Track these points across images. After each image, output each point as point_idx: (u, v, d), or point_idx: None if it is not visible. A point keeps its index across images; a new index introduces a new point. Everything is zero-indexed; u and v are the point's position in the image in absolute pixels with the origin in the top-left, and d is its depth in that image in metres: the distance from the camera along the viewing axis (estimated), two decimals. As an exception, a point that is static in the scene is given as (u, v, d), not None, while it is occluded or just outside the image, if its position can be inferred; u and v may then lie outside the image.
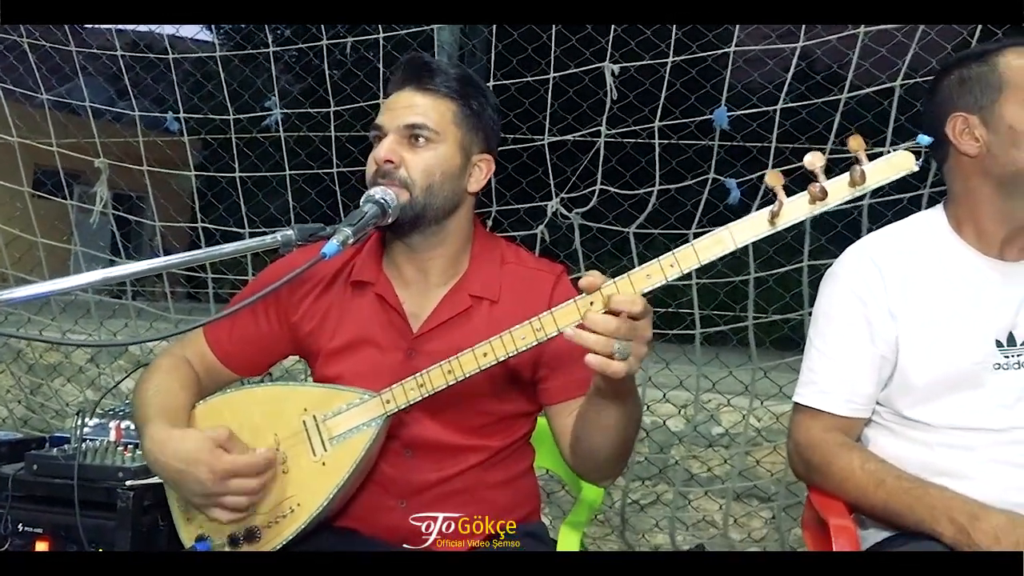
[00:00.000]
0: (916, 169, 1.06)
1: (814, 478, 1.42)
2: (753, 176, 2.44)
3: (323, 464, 1.27)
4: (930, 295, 1.38)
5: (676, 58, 2.39)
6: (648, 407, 2.92)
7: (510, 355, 1.17)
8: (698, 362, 2.60)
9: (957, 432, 1.34)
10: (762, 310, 2.64)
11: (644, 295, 1.10)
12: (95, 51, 3.20)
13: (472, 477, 1.37)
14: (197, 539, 1.32)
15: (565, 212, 2.51)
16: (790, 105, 2.43)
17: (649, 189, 2.44)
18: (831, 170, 1.08)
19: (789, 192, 1.09)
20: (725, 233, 1.10)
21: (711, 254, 1.11)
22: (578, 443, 1.30)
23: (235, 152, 2.86)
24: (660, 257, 1.12)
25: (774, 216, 1.08)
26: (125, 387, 2.60)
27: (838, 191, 1.06)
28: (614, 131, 2.55)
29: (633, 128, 2.59)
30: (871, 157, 1.07)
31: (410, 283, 1.40)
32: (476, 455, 1.37)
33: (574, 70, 2.60)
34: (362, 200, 1.27)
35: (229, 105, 2.83)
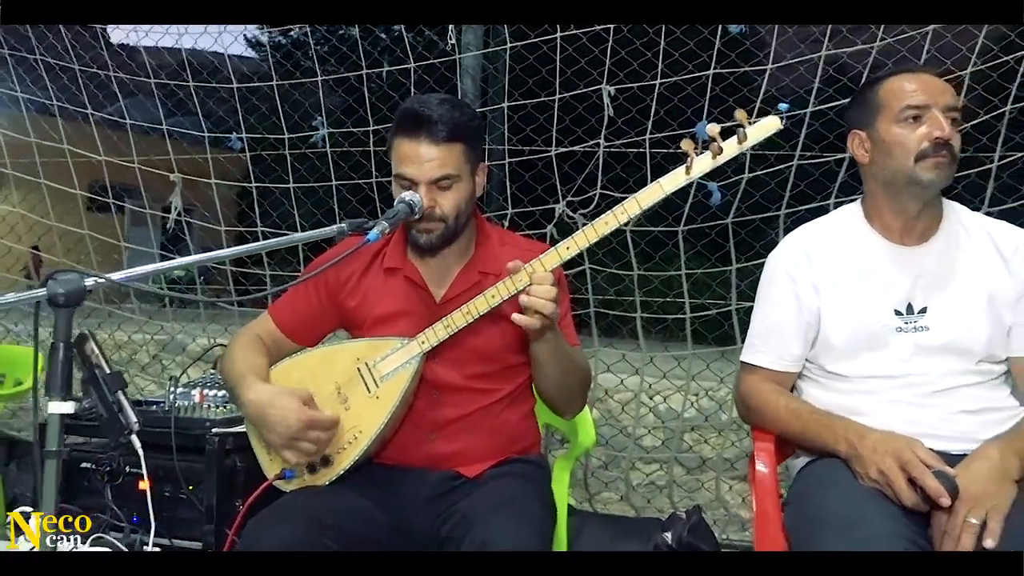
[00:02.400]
0: (781, 128, 1.50)
1: (752, 418, 1.80)
2: (733, 178, 2.81)
3: (377, 398, 1.68)
4: (846, 274, 1.74)
5: (665, 80, 2.78)
6: (665, 398, 3.30)
7: (512, 294, 1.58)
8: (688, 346, 2.99)
9: (866, 380, 1.69)
10: (749, 298, 3.00)
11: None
12: (150, 78, 3.58)
13: (486, 414, 1.77)
14: (284, 469, 1.72)
15: (571, 214, 2.91)
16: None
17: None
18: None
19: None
20: (656, 186, 1.54)
21: (649, 202, 1.56)
22: (536, 381, 1.76)
23: (289, 166, 3.30)
24: (614, 208, 1.56)
25: (687, 168, 1.51)
26: (185, 375, 3.02)
27: (730, 148, 1.50)
28: (615, 143, 2.94)
29: (635, 139, 2.97)
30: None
31: (430, 265, 1.80)
32: (489, 396, 1.77)
33: (580, 91, 2.99)
34: (395, 201, 1.68)
35: (283, 124, 3.28)
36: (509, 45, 3.19)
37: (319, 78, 3.19)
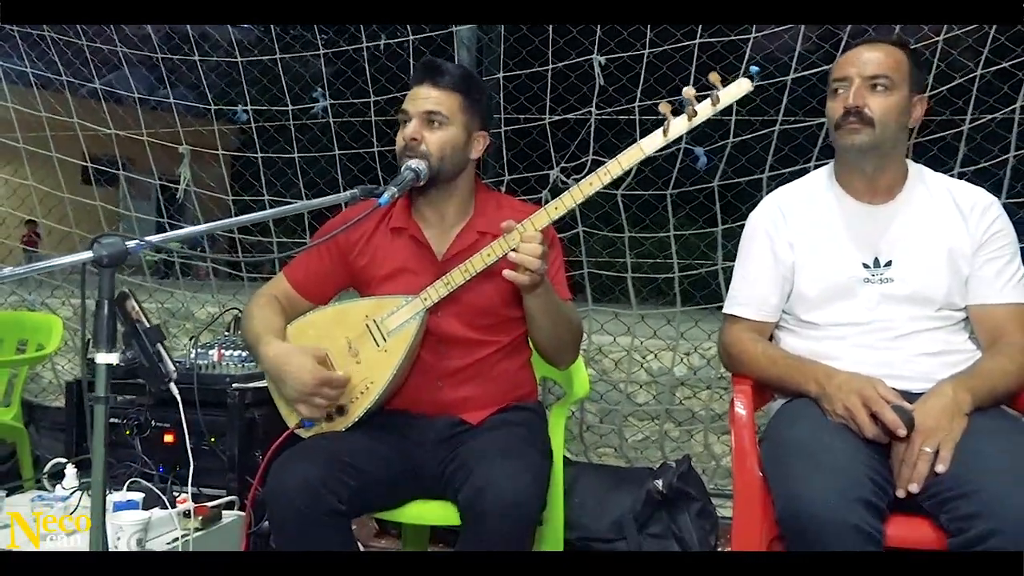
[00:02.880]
0: (751, 90, 1.64)
1: (734, 365, 1.95)
2: (720, 143, 2.95)
3: (385, 351, 1.83)
4: (818, 231, 1.89)
5: (654, 49, 2.90)
6: (642, 343, 3.46)
7: (506, 253, 1.71)
8: (678, 306, 3.14)
9: (836, 327, 1.84)
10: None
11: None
12: (137, 49, 3.67)
13: (486, 364, 1.92)
14: (304, 419, 1.86)
15: (565, 179, 3.04)
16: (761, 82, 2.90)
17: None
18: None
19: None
20: (636, 148, 1.68)
21: (629, 163, 1.69)
22: (530, 333, 1.90)
23: (292, 136, 3.42)
24: (598, 169, 1.70)
25: (664, 131, 1.65)
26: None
27: (704, 110, 1.64)
28: (606, 110, 3.06)
29: (625, 106, 3.09)
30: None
31: (432, 225, 1.95)
32: (489, 347, 1.92)
33: (573, 60, 3.11)
34: (402, 169, 1.82)
35: (286, 95, 3.39)
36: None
37: (320, 51, 3.29)
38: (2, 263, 4.59)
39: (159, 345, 1.51)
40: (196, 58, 3.25)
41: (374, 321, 1.84)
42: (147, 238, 1.46)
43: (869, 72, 1.79)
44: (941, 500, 1.50)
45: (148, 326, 1.50)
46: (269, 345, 1.84)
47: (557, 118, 3.13)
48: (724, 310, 2.00)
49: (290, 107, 3.27)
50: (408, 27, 3.30)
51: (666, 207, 3.06)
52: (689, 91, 1.63)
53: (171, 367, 1.51)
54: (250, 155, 3.42)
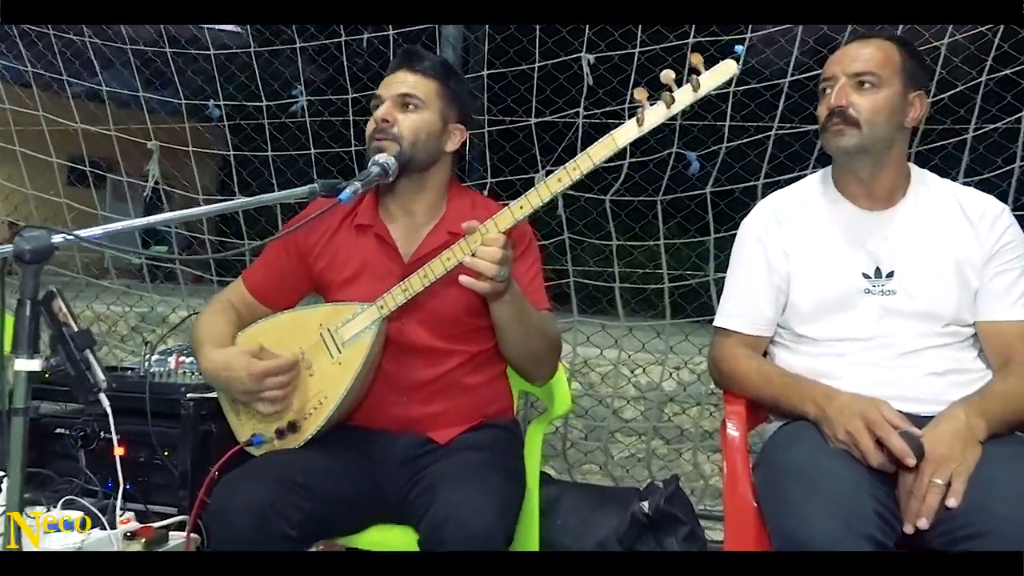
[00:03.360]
0: (737, 72, 1.47)
1: (725, 383, 1.81)
2: (712, 148, 2.81)
3: (339, 364, 1.67)
4: (815, 238, 1.75)
5: (645, 49, 2.77)
6: (630, 357, 3.32)
7: (468, 256, 1.55)
8: (667, 317, 2.99)
9: (835, 343, 1.71)
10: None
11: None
12: (137, 46, 3.55)
13: (456, 376, 1.77)
14: (252, 435, 1.72)
15: (549, 183, 2.89)
16: (745, 87, 2.78)
17: (622, 162, 2.82)
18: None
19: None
20: (609, 139, 1.52)
21: (601, 156, 1.52)
22: (500, 345, 1.75)
23: (267, 136, 3.27)
24: (567, 163, 1.54)
25: (639, 120, 1.49)
26: (163, 343, 3.01)
27: (684, 96, 1.48)
28: (595, 112, 2.92)
29: (614, 108, 2.96)
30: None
31: (400, 224, 1.80)
32: (457, 357, 1.77)
33: (561, 59, 2.97)
34: (369, 164, 1.68)
35: (261, 93, 3.24)
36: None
37: (298, 44, 3.15)
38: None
39: (88, 351, 1.35)
40: (168, 50, 3.09)
41: (328, 330, 1.69)
42: (76, 232, 1.31)
43: (854, 69, 1.66)
44: (953, 539, 1.36)
45: (76, 329, 1.35)
46: (205, 356, 1.71)
47: (543, 120, 2.99)
48: (715, 322, 1.86)
49: (264, 103, 3.12)
50: (391, 24, 3.16)
51: (656, 215, 2.91)
52: (668, 75, 1.47)
53: (100, 376, 1.35)
54: (223, 153, 3.27)
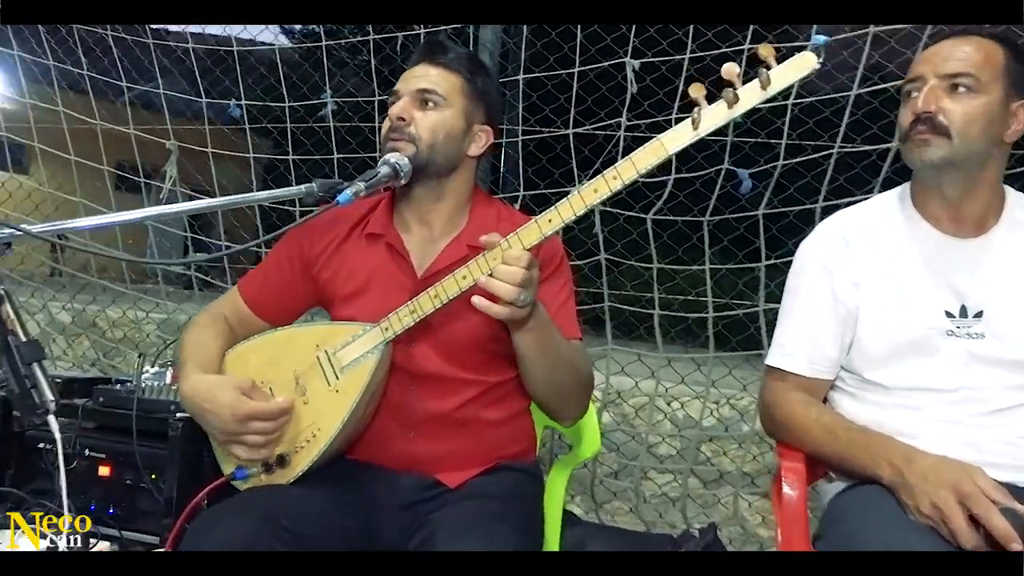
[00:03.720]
0: (817, 67, 1.20)
1: (779, 433, 1.56)
2: (765, 167, 2.57)
3: (337, 391, 1.47)
4: (890, 267, 1.51)
5: (695, 55, 2.54)
6: (681, 404, 3.07)
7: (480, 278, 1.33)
8: (711, 349, 2.73)
9: (909, 393, 1.46)
10: (777, 299, 2.75)
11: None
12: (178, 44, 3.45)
13: (471, 410, 1.55)
14: (237, 468, 1.52)
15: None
16: (803, 101, 2.53)
17: (666, 178, 2.58)
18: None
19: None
20: (657, 144, 1.27)
21: (647, 163, 1.27)
22: (522, 378, 1.51)
23: (292, 140, 3.11)
24: (605, 171, 1.30)
25: (695, 122, 1.23)
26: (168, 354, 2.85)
27: (750, 95, 1.21)
28: (637, 124, 2.70)
29: (656, 120, 2.74)
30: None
31: (416, 235, 1.60)
32: (473, 388, 1.55)
33: (601, 64, 2.76)
34: (379, 162, 1.48)
35: (286, 97, 3.09)
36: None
37: (324, 42, 2.98)
38: (30, 274, 4.38)
39: (36, 365, 1.16)
40: (187, 42, 2.95)
41: (326, 353, 1.48)
42: (24, 226, 1.14)
43: (947, 70, 1.42)
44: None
45: (23, 340, 1.16)
46: (187, 378, 1.50)
47: (582, 130, 2.77)
48: (768, 361, 1.61)
49: (287, 103, 2.96)
50: (423, 26, 2.99)
51: (702, 238, 2.67)
52: (730, 69, 1.21)
53: (48, 395, 1.16)
54: (244, 155, 3.12)
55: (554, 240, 1.54)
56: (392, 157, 1.49)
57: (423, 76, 1.58)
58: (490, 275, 1.30)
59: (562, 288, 1.59)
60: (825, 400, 1.58)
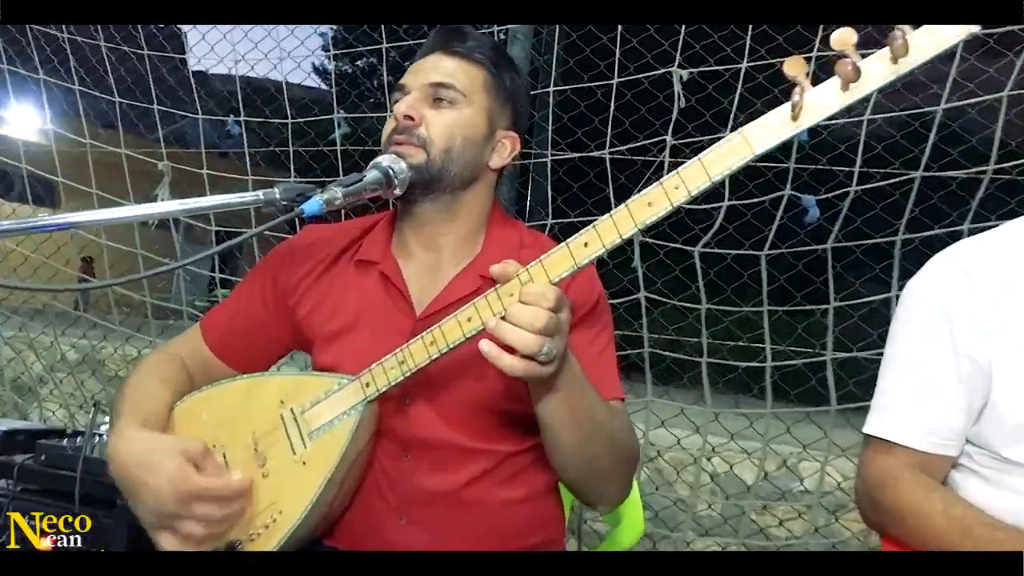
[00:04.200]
0: (969, 37, 0.85)
1: (885, 523, 1.19)
2: (833, 192, 2.21)
3: (303, 463, 1.12)
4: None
5: (752, 63, 2.20)
6: (714, 450, 2.69)
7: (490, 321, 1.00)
8: (768, 402, 2.35)
9: (1068, 479, 1.09)
10: (846, 348, 2.38)
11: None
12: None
13: (481, 489, 1.20)
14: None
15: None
16: (878, 116, 2.18)
17: (716, 205, 2.23)
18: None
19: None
20: (739, 139, 0.91)
21: (724, 166, 0.92)
22: (546, 451, 1.15)
23: (295, 167, 2.84)
24: (663, 179, 0.95)
25: (796, 109, 0.88)
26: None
27: (876, 70, 0.85)
28: (681, 147, 2.36)
29: (700, 140, 2.40)
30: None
31: (418, 263, 1.28)
32: (484, 460, 1.20)
33: (640, 75, 2.44)
34: (369, 165, 1.16)
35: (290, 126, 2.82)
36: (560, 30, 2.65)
37: (332, 52, 2.70)
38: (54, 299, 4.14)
39: None
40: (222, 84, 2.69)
41: (292, 411, 1.14)
42: None
43: None
44: None
45: None
46: (120, 434, 1.15)
47: (620, 148, 2.44)
48: (869, 429, 1.24)
49: (290, 120, 2.67)
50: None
51: (757, 275, 2.29)
52: (844, 36, 0.86)
53: None
54: (242, 177, 2.83)
55: (589, 273, 1.22)
56: (385, 160, 1.17)
57: (437, 68, 1.27)
58: (502, 317, 0.96)
59: (599, 334, 1.25)
60: (944, 481, 1.21)
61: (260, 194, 1.02)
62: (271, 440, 1.15)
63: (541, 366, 0.97)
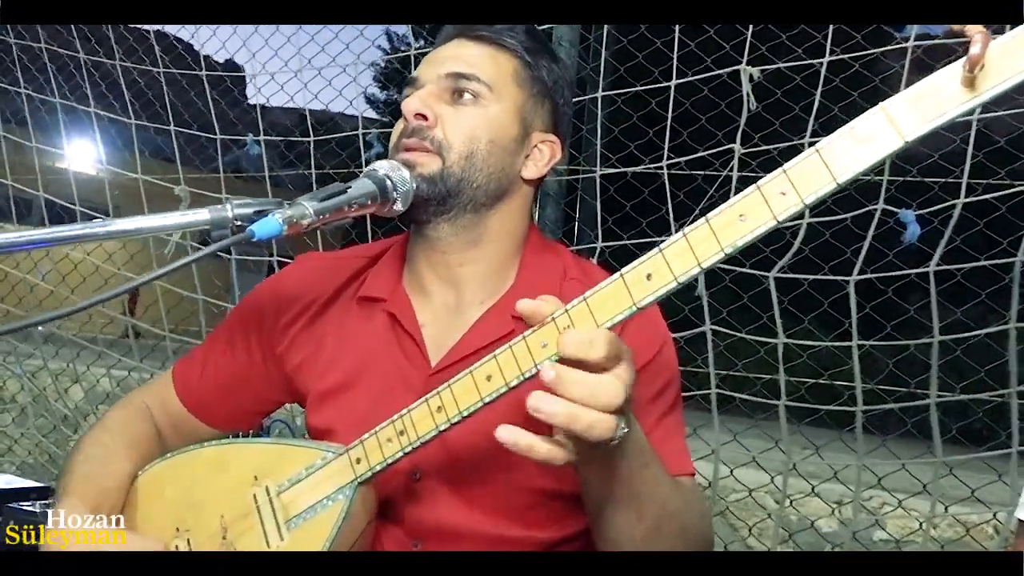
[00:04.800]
0: None
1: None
2: (929, 208, 1.89)
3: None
4: None
5: (834, 57, 1.91)
6: (791, 502, 2.35)
7: (529, 373, 0.74)
8: (859, 450, 2.01)
9: None
10: (948, 388, 2.03)
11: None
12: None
13: None
14: None
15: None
16: (974, 117, 1.86)
17: (796, 223, 1.93)
18: None
19: None
20: (879, 117, 0.65)
21: (854, 162, 0.65)
22: (593, 533, 0.89)
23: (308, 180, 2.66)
24: (760, 182, 0.69)
25: (974, 63, 0.60)
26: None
27: None
28: (748, 149, 2.07)
29: (770, 149, 2.11)
30: None
31: (436, 301, 1.03)
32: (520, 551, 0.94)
33: (702, 76, 2.16)
34: (362, 173, 0.92)
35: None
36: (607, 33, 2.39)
37: (361, 62, 2.50)
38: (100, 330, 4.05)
39: None
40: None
41: (267, 491, 0.89)
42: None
43: None
44: None
45: None
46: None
47: (678, 161, 2.16)
48: (1019, 513, 0.94)
49: (312, 138, 2.47)
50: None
51: (844, 300, 1.96)
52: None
53: None
54: (264, 200, 2.65)
55: (652, 314, 0.97)
56: (383, 167, 0.92)
57: (457, 55, 1.03)
58: (533, 375, 0.70)
59: (662, 394, 0.98)
60: None
61: (207, 212, 0.77)
62: (242, 527, 0.90)
63: (594, 450, 0.70)
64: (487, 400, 0.75)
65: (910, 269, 1.86)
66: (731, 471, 2.31)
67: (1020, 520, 0.96)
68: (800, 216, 0.82)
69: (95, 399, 3.74)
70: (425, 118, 0.99)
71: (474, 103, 1.00)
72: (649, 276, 0.71)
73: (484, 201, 1.01)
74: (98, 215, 2.95)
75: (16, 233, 0.87)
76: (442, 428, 0.78)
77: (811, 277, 2.04)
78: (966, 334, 1.92)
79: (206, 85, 2.87)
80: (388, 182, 0.91)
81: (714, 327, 2.10)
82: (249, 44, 3.04)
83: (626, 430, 0.71)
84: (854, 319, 1.87)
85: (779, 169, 0.70)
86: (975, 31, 0.63)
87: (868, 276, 1.90)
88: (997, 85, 0.62)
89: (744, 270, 2.08)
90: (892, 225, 2.08)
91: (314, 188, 1.05)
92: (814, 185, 0.67)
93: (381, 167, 0.92)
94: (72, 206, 2.93)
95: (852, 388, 1.96)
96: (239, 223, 0.78)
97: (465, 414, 0.77)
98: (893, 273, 1.96)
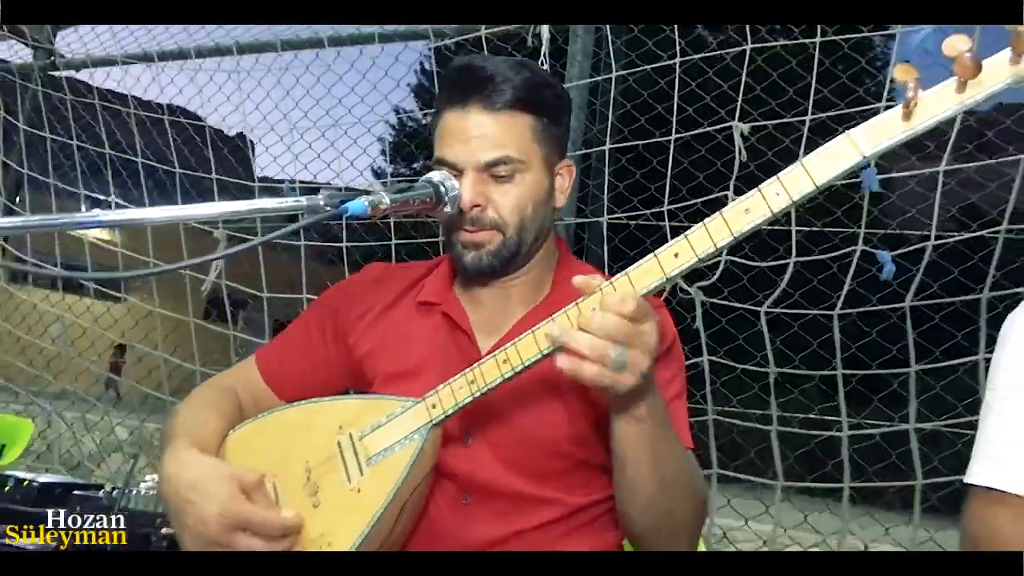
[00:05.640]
0: None
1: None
2: (905, 248, 2.08)
3: (358, 491, 1.04)
4: None
5: (823, 37, 2.09)
6: (787, 533, 2.48)
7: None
8: (844, 517, 2.13)
9: None
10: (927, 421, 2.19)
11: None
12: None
13: (546, 540, 1.10)
14: None
15: (685, 287, 2.23)
16: (953, 167, 2.08)
17: (782, 262, 2.12)
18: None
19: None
20: (844, 140, 0.87)
21: (829, 171, 0.87)
22: (616, 495, 1.07)
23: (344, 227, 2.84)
24: (761, 185, 0.91)
25: (909, 107, 0.82)
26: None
27: (996, 69, 0.80)
28: (752, 122, 2.26)
29: (769, 125, 2.30)
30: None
31: (485, 306, 1.22)
32: (550, 510, 1.12)
33: (701, 130, 2.39)
34: (421, 179, 1.11)
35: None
36: (616, 73, 2.60)
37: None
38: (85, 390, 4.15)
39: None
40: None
41: (350, 437, 1.06)
42: None
43: None
44: None
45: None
46: (174, 455, 1.08)
47: (679, 206, 2.36)
48: (971, 478, 1.11)
49: (340, 173, 2.69)
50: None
51: (831, 337, 2.14)
52: (956, 41, 0.81)
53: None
54: (295, 243, 2.84)
55: (666, 318, 1.16)
56: (437, 175, 1.11)
57: (482, 136, 1.14)
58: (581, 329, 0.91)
59: (674, 378, 1.17)
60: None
61: (303, 199, 0.97)
62: (325, 468, 1.07)
63: (617, 377, 0.89)
64: (545, 352, 0.95)
65: (887, 305, 2.04)
66: (727, 501, 2.45)
67: (972, 485, 1.12)
68: (788, 214, 1.02)
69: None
70: (480, 206, 1.14)
71: (512, 180, 1.15)
72: (676, 255, 0.92)
73: (537, 244, 1.21)
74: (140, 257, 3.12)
75: (84, 214, 0.98)
76: (507, 376, 0.97)
77: (802, 312, 2.22)
78: (943, 363, 2.07)
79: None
80: (442, 188, 1.10)
81: (712, 358, 2.28)
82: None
83: (626, 360, 0.89)
84: (838, 352, 2.05)
85: (774, 176, 0.92)
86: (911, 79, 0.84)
87: (851, 311, 2.08)
88: (926, 120, 0.84)
89: (741, 305, 2.27)
90: (874, 272, 2.24)
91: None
92: (800, 187, 0.89)
93: (436, 176, 1.11)
94: (114, 248, 3.11)
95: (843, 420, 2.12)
96: (328, 207, 0.97)
97: (526, 364, 0.96)
98: (872, 308, 2.13)
